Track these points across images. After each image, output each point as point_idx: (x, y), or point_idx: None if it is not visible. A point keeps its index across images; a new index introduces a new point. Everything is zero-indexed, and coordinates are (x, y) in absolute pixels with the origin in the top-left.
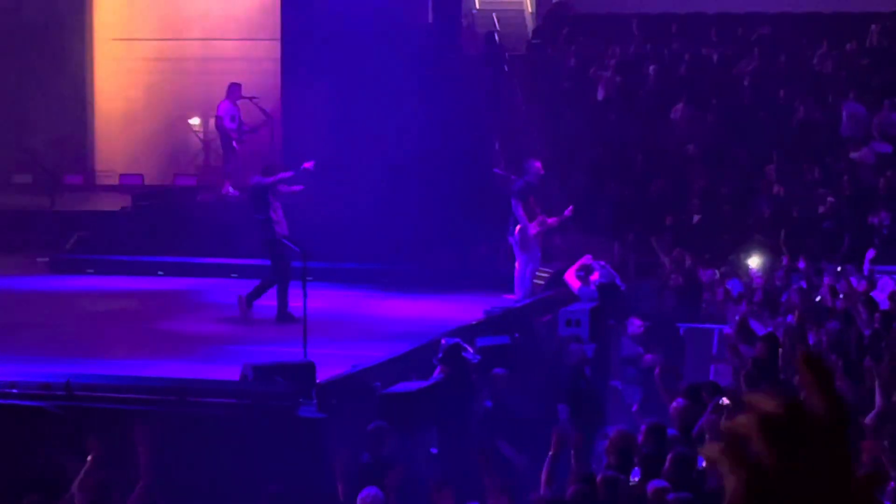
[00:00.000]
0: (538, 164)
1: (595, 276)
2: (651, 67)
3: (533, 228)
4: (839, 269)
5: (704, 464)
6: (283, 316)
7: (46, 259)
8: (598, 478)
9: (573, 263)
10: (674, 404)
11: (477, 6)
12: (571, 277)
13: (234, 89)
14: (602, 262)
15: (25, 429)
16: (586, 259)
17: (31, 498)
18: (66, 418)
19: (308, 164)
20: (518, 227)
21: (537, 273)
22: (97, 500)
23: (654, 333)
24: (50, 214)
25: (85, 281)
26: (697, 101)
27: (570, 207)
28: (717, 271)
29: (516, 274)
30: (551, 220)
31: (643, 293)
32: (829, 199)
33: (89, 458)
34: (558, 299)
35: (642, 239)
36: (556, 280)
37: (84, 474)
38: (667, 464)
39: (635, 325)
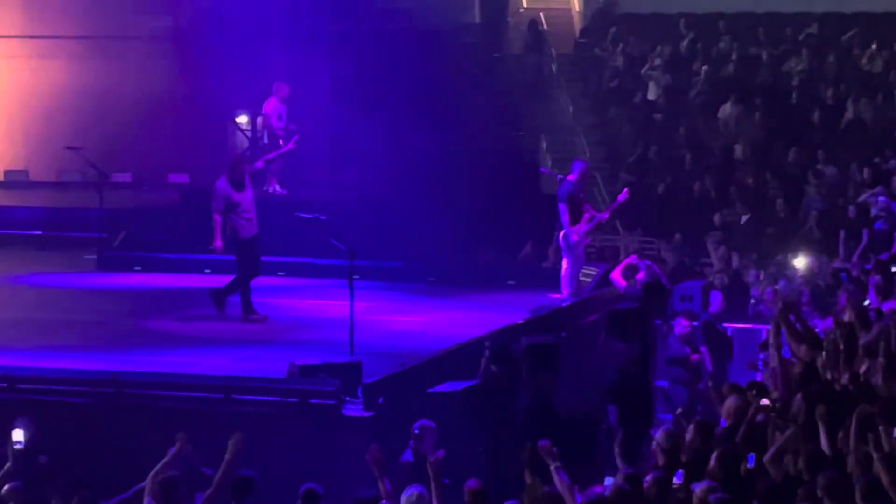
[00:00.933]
0: (585, 165)
1: (641, 276)
2: (699, 67)
3: (576, 234)
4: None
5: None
6: (248, 310)
7: (94, 256)
8: (647, 478)
9: (619, 263)
10: (720, 404)
11: (524, 5)
12: (618, 277)
13: (281, 88)
14: (648, 262)
15: (74, 425)
16: (632, 259)
17: (81, 495)
18: (112, 414)
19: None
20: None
21: (583, 272)
22: (167, 494)
23: (701, 333)
24: (98, 211)
25: (132, 278)
26: (745, 100)
27: (626, 190)
28: (764, 271)
29: (563, 273)
30: (601, 215)
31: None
32: (881, 199)
33: (172, 450)
34: (605, 299)
35: (689, 239)
36: (603, 279)
37: (162, 466)
38: (712, 462)
39: (682, 324)
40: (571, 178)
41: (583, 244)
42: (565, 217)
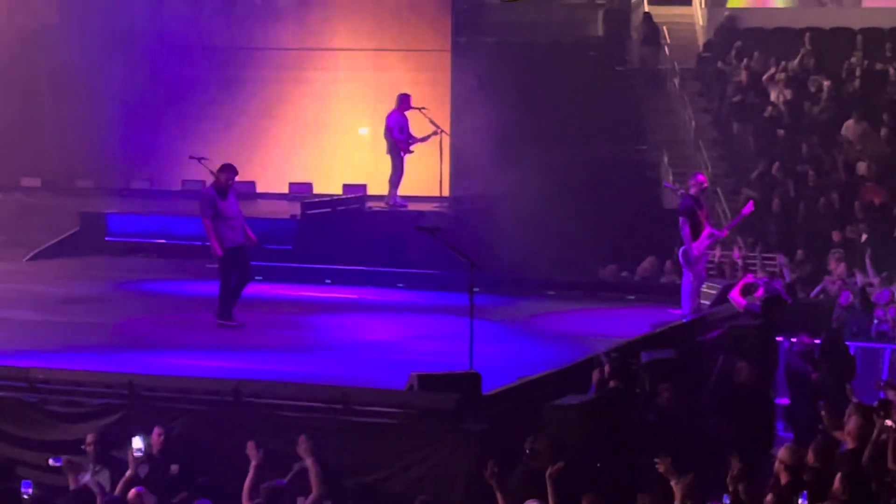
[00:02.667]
0: (701, 178)
1: (760, 293)
2: (823, 82)
3: (696, 249)
4: None
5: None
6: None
7: (215, 265)
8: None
9: (737, 281)
10: (836, 423)
11: None
12: (737, 296)
13: (403, 100)
14: (766, 279)
15: (194, 433)
16: (749, 278)
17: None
18: (232, 422)
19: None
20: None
21: (704, 288)
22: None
23: (822, 351)
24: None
25: (253, 288)
26: (870, 116)
27: (751, 203)
28: (890, 290)
29: (683, 289)
30: (719, 233)
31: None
32: None
33: (252, 465)
34: (725, 316)
35: (811, 255)
36: (722, 297)
37: (250, 482)
38: (836, 484)
39: (804, 342)
40: (692, 192)
41: (703, 260)
42: (685, 232)
